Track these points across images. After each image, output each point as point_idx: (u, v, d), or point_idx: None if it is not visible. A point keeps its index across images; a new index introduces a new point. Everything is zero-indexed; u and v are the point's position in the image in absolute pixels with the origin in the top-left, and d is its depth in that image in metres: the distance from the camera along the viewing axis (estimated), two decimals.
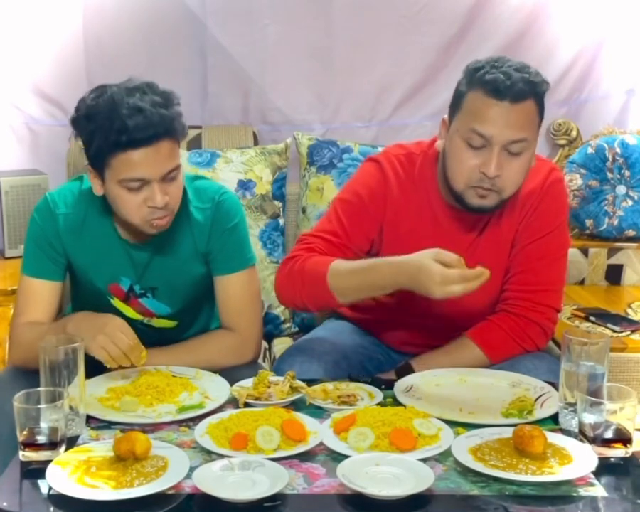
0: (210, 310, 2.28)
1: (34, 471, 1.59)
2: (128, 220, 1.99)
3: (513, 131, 1.94)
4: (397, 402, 1.86)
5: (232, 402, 1.88)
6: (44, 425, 1.62)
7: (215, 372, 2.02)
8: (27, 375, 1.88)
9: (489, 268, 2.10)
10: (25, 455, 1.62)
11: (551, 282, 2.13)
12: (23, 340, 2.03)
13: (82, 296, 2.20)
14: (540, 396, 1.88)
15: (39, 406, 1.62)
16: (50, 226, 2.08)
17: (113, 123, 1.87)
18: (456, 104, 2.02)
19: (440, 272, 1.81)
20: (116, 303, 2.14)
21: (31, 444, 1.61)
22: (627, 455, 1.64)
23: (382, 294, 2.03)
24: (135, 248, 2.08)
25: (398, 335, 2.26)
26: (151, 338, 2.14)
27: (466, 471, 1.59)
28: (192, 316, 2.24)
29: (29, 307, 2.09)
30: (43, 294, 2.09)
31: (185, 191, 2.06)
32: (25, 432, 1.62)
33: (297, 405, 1.86)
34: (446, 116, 2.05)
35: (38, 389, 1.69)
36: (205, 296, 2.21)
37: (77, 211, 2.07)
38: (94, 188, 2.00)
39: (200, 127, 3.02)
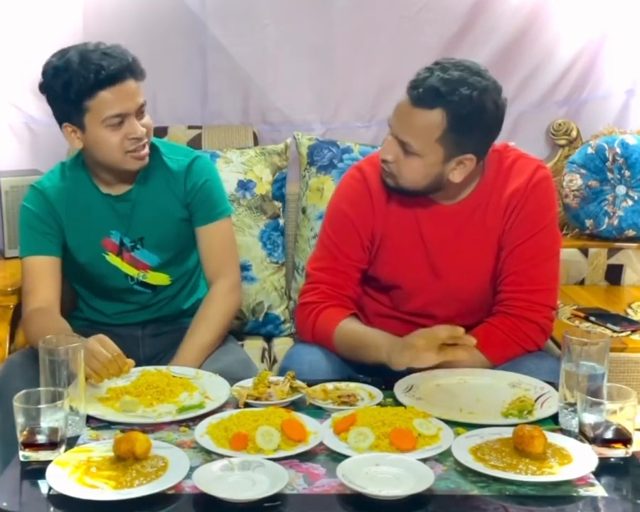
0: (198, 265, 2.37)
1: (34, 471, 1.59)
2: (110, 159, 2.15)
3: (402, 129, 2.02)
4: (397, 402, 1.87)
5: (232, 402, 1.88)
6: (44, 425, 1.62)
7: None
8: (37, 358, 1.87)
9: (475, 264, 2.13)
10: (25, 455, 1.62)
11: (545, 281, 2.13)
12: (32, 331, 2.11)
13: (80, 266, 2.28)
14: (540, 396, 1.88)
15: (39, 406, 1.63)
16: (41, 205, 2.24)
17: (89, 66, 2.07)
18: None
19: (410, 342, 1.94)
20: (112, 258, 2.25)
21: (31, 444, 1.62)
22: (627, 455, 1.65)
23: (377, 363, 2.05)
24: (117, 200, 2.23)
25: (394, 329, 2.26)
26: (151, 301, 2.29)
27: (466, 471, 1.59)
28: (182, 269, 2.34)
29: (34, 285, 2.20)
30: (44, 270, 2.21)
31: (156, 147, 2.26)
32: (25, 432, 1.62)
33: (297, 405, 1.86)
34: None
35: (38, 389, 1.69)
36: (191, 246, 2.32)
37: (61, 180, 2.26)
38: (73, 143, 2.18)
39: (200, 127, 3.02)
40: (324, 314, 2.13)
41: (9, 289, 2.53)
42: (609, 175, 2.96)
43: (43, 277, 2.20)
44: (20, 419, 1.62)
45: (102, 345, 1.90)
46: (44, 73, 2.13)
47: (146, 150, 2.17)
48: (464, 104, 1.98)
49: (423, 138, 2.00)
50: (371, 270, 2.22)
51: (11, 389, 1.66)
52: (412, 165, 2.03)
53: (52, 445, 1.62)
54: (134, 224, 2.24)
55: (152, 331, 2.34)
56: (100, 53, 2.09)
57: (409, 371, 2.01)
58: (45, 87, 2.14)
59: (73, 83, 2.07)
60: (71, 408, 1.71)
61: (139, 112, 2.14)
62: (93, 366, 1.87)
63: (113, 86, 2.08)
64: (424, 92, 1.98)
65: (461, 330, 1.89)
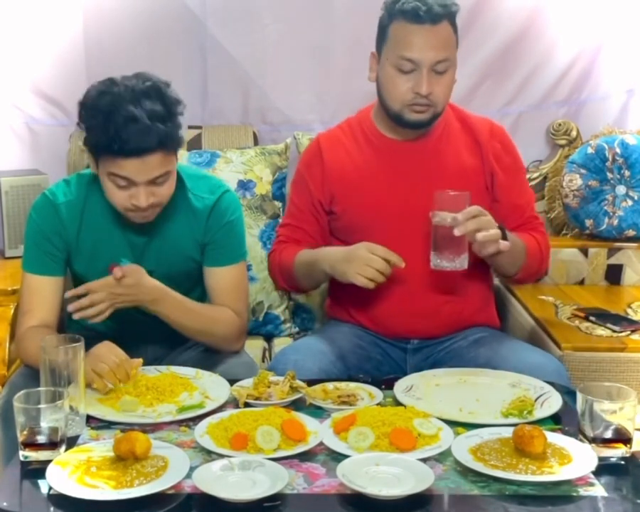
0: (203, 299, 2.29)
1: (34, 471, 1.59)
2: (114, 206, 2.06)
3: (437, 52, 2.16)
4: (397, 402, 1.87)
5: (232, 402, 1.88)
6: (44, 425, 1.62)
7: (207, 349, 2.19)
8: (39, 377, 1.83)
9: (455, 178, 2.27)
10: (25, 455, 1.62)
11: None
12: (31, 349, 2.03)
13: (82, 283, 2.20)
14: (540, 396, 1.89)
15: (39, 406, 1.63)
16: (50, 220, 2.13)
17: (108, 129, 1.92)
18: (381, 37, 2.24)
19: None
20: None
21: (31, 444, 1.62)
22: (627, 455, 1.65)
23: (326, 280, 2.39)
24: (133, 232, 2.14)
25: (387, 307, 2.31)
26: (148, 327, 2.18)
27: (466, 471, 1.59)
28: None
29: (32, 305, 2.13)
30: (45, 290, 2.13)
31: (183, 181, 2.15)
32: (25, 432, 1.62)
33: (297, 405, 1.86)
34: (374, 50, 2.28)
35: (38, 389, 1.70)
36: (198, 283, 2.24)
37: (77, 196, 2.14)
38: (91, 165, 2.07)
39: (200, 127, 3.02)
40: (285, 252, 2.37)
41: (9, 289, 2.53)
42: (609, 175, 2.96)
43: (43, 298, 2.12)
44: (20, 419, 1.62)
45: (110, 350, 1.90)
46: (83, 97, 2.02)
47: (150, 213, 2.05)
48: (449, 4, 2.19)
49: (453, 47, 2.21)
50: (349, 236, 2.30)
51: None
52: (446, 81, 2.20)
53: (52, 445, 1.62)
54: (146, 257, 2.16)
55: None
56: (130, 117, 1.91)
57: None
58: (79, 111, 2.02)
59: (91, 134, 1.97)
60: (71, 408, 1.71)
61: (155, 182, 2.00)
62: (99, 370, 1.87)
63: (126, 158, 1.94)
64: (437, 10, 2.15)
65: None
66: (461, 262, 2.08)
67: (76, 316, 2.05)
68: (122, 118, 1.92)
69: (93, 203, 2.13)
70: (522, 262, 2.27)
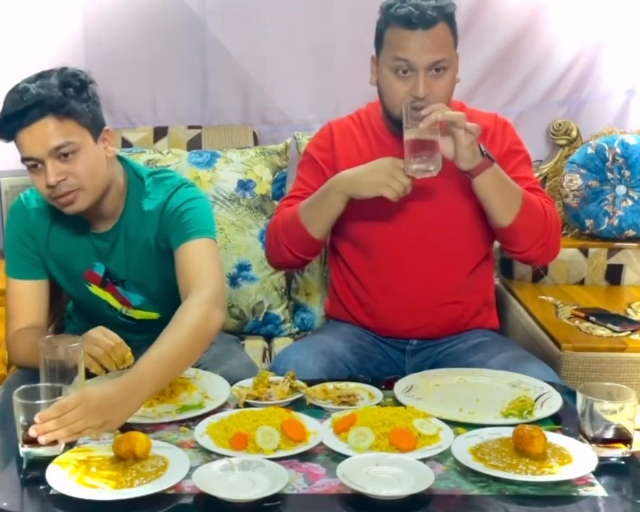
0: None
1: (34, 471, 1.59)
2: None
3: (432, 54, 2.12)
4: (397, 402, 1.87)
5: (232, 402, 1.88)
6: None
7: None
8: (35, 377, 1.83)
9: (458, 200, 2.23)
10: (26, 451, 1.62)
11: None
12: (21, 350, 2.05)
13: (66, 289, 2.23)
14: (540, 396, 1.89)
15: (39, 402, 1.62)
16: (22, 224, 2.13)
17: (2, 104, 1.94)
18: (378, 41, 2.22)
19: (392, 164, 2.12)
20: (94, 289, 2.16)
21: (31, 440, 1.61)
22: (627, 455, 1.65)
23: (338, 211, 2.20)
24: (97, 237, 2.12)
25: (387, 304, 2.30)
26: (139, 335, 2.14)
27: (466, 471, 1.59)
28: (174, 309, 2.11)
29: (19, 309, 2.12)
30: (29, 294, 2.12)
31: (143, 183, 2.10)
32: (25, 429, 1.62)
33: (297, 405, 1.86)
34: (374, 53, 2.24)
35: (38, 385, 1.70)
36: (176, 293, 2.12)
37: (47, 204, 2.08)
38: None
39: (200, 127, 3.02)
40: (288, 209, 2.28)
41: None
42: (609, 175, 2.96)
43: (29, 302, 2.11)
44: (20, 416, 1.62)
45: (104, 334, 1.89)
46: None
47: (72, 197, 1.96)
48: (445, 5, 2.15)
49: (450, 47, 2.16)
50: (350, 226, 2.28)
51: (12, 412, 1.64)
52: (445, 81, 2.16)
53: (52, 441, 1.61)
54: (114, 263, 2.13)
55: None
56: (17, 89, 1.93)
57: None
58: None
59: None
60: None
61: (59, 155, 1.93)
62: (94, 353, 1.86)
63: (22, 128, 1.92)
64: (429, 15, 2.11)
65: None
66: (435, 164, 2.05)
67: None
68: (11, 93, 1.94)
69: (61, 212, 2.05)
70: (518, 206, 2.13)
